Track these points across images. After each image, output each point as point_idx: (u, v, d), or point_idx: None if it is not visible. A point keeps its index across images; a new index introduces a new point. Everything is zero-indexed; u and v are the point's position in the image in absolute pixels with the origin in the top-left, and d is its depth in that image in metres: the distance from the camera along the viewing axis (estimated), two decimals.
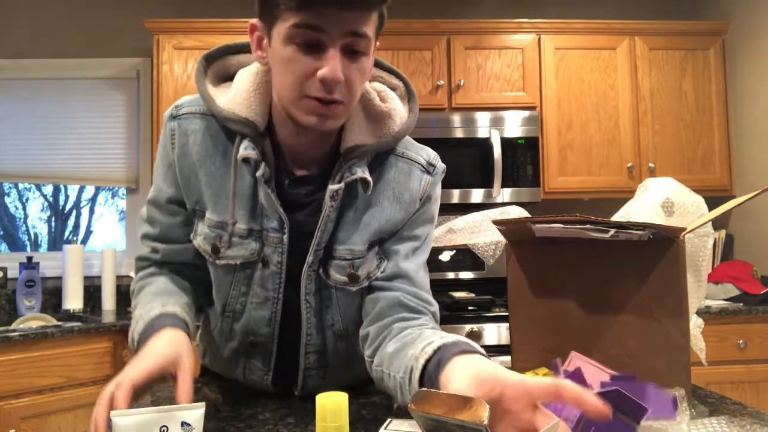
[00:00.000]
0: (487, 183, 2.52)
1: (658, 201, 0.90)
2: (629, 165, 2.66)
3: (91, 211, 3.08)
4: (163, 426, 0.60)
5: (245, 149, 0.80)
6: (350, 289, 0.87)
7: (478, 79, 2.64)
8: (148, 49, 2.87)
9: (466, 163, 2.53)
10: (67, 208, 3.09)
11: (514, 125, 2.56)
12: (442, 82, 2.61)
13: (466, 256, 2.71)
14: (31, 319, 2.44)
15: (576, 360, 0.71)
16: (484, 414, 0.49)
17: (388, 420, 0.63)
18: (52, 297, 2.70)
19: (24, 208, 3.02)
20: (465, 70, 2.64)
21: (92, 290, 2.74)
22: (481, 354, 0.66)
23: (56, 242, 3.01)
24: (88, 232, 3.06)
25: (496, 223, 0.91)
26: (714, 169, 2.72)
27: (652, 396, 0.63)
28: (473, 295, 2.40)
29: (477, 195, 2.52)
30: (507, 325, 2.22)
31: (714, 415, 0.74)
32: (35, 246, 2.99)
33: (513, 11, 3.07)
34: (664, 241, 0.80)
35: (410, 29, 2.63)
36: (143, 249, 0.93)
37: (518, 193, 2.54)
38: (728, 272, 2.51)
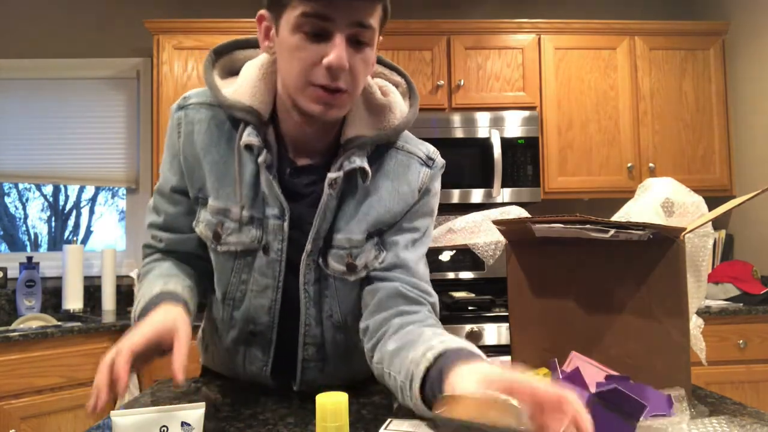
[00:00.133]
0: (487, 183, 2.52)
1: (658, 201, 0.90)
2: (629, 165, 2.66)
3: (91, 211, 3.08)
4: (163, 426, 0.60)
5: (248, 136, 0.82)
6: (348, 279, 0.88)
7: (478, 79, 2.64)
8: (148, 49, 2.87)
9: (466, 163, 2.53)
10: (67, 208, 3.09)
11: (514, 125, 2.55)
12: (442, 82, 2.61)
13: (466, 256, 2.71)
14: (31, 319, 2.44)
15: (576, 360, 0.71)
16: (520, 413, 0.47)
17: (388, 420, 0.63)
18: (52, 297, 2.70)
19: (24, 208, 3.02)
20: (465, 70, 2.64)
21: (92, 290, 2.74)
22: (483, 359, 0.66)
23: (56, 242, 3.01)
24: (88, 232, 3.06)
25: (496, 223, 0.91)
26: (714, 169, 2.72)
27: (648, 396, 0.63)
28: (473, 295, 2.40)
29: (477, 195, 2.52)
30: (507, 325, 2.22)
31: (714, 415, 0.74)
32: (35, 246, 2.99)
33: (513, 11, 3.07)
34: (664, 241, 0.80)
35: (410, 29, 2.63)
36: (149, 237, 0.96)
37: (518, 193, 2.54)
38: (728, 272, 2.51)
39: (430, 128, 2.50)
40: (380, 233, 0.89)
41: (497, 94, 2.64)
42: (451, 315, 2.23)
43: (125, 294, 2.76)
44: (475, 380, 0.58)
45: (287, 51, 0.76)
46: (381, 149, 0.89)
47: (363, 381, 1.01)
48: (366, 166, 0.84)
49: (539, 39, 2.68)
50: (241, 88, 0.84)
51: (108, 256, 2.65)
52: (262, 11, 0.81)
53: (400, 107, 0.90)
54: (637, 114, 2.70)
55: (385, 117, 0.88)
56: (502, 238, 0.97)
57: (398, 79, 0.95)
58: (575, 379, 0.56)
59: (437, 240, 1.04)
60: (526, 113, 2.57)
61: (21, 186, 2.99)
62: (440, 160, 0.94)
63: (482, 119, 2.55)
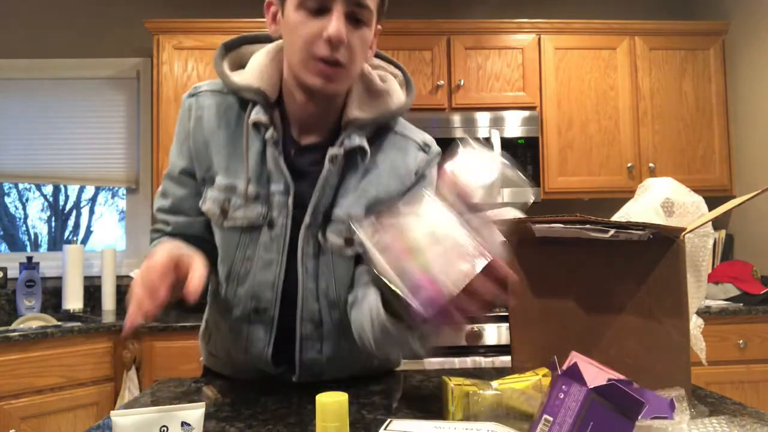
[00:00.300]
0: None
1: (658, 201, 0.90)
2: (629, 165, 2.66)
3: (91, 211, 3.08)
4: (163, 426, 0.60)
5: (256, 114, 0.88)
6: (345, 254, 0.92)
7: (478, 79, 2.64)
8: (148, 49, 2.87)
9: None
10: (67, 208, 3.09)
11: (514, 125, 2.55)
12: (442, 82, 2.61)
13: None
14: (31, 319, 2.44)
15: (576, 360, 0.71)
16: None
17: (388, 420, 0.63)
18: (52, 297, 2.70)
19: (24, 208, 3.02)
20: (465, 70, 2.64)
21: (92, 290, 2.74)
22: None
23: (56, 242, 3.01)
24: (88, 232, 3.06)
25: (496, 223, 0.91)
26: (714, 169, 2.72)
27: (649, 398, 0.63)
28: None
29: None
30: (507, 325, 2.22)
31: (714, 415, 0.74)
32: (35, 246, 2.99)
33: (513, 11, 3.07)
34: (664, 241, 0.80)
35: (410, 29, 2.63)
36: (157, 222, 0.99)
37: (518, 193, 2.54)
38: (728, 272, 2.52)
39: (430, 128, 2.50)
40: (376, 213, 0.91)
41: (497, 94, 2.64)
42: None
43: (125, 294, 2.75)
44: None
45: (291, 28, 0.84)
46: (380, 133, 0.95)
47: (364, 379, 1.02)
48: (365, 145, 0.90)
49: (539, 39, 2.68)
50: (249, 73, 0.91)
51: (108, 256, 2.66)
52: None
53: (397, 94, 0.96)
54: (637, 114, 2.70)
55: (384, 101, 0.94)
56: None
57: (396, 71, 1.02)
58: (573, 374, 0.56)
59: None
60: (526, 113, 2.57)
61: (21, 186, 2.99)
62: (436, 148, 1.00)
63: (482, 119, 2.55)
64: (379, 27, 0.92)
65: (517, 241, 0.91)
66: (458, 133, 2.54)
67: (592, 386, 0.55)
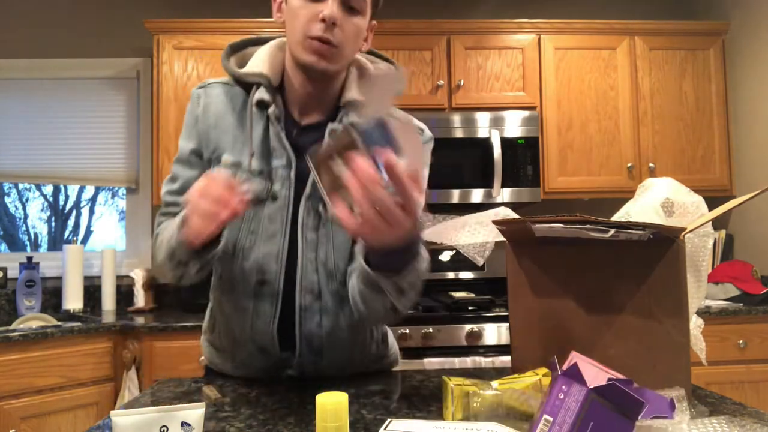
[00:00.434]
0: (487, 183, 2.52)
1: (658, 201, 0.90)
2: (629, 165, 2.66)
3: (91, 211, 3.08)
4: (163, 426, 0.60)
5: (260, 94, 0.98)
6: None
7: (478, 79, 2.64)
8: (148, 49, 2.87)
9: (466, 163, 2.53)
10: (67, 208, 3.09)
11: (514, 125, 2.55)
12: (442, 82, 2.61)
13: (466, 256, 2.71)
14: (31, 319, 2.44)
15: (576, 360, 0.71)
16: None
17: (388, 420, 0.63)
18: (52, 297, 2.70)
19: (24, 208, 3.02)
20: (465, 70, 2.64)
21: (92, 290, 2.74)
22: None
23: (56, 242, 3.01)
24: (88, 232, 3.06)
25: (496, 223, 0.91)
26: (714, 169, 2.72)
27: (650, 398, 0.63)
28: (473, 295, 2.40)
29: (477, 195, 2.52)
30: (507, 325, 2.22)
31: (714, 415, 0.74)
32: (35, 246, 2.99)
33: (513, 11, 3.07)
34: (664, 241, 0.80)
35: (410, 29, 2.63)
36: (166, 207, 1.03)
37: (518, 193, 2.54)
38: (728, 272, 2.51)
39: (430, 128, 2.49)
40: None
41: (497, 94, 2.64)
42: (451, 315, 2.23)
43: (125, 294, 2.76)
44: None
45: (292, 12, 0.93)
46: None
47: (364, 378, 1.02)
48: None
49: (539, 39, 2.68)
50: (254, 62, 1.01)
51: (108, 256, 2.66)
52: None
53: None
54: (637, 114, 2.70)
55: None
56: (490, 240, 0.98)
57: (388, 64, 1.12)
58: (573, 374, 0.56)
59: (434, 237, 1.04)
60: (526, 113, 2.57)
61: (21, 186, 2.99)
62: (429, 133, 1.08)
63: (482, 119, 2.55)
64: (374, 22, 1.01)
65: (517, 241, 0.91)
66: (458, 133, 2.54)
67: (592, 386, 0.55)
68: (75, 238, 2.99)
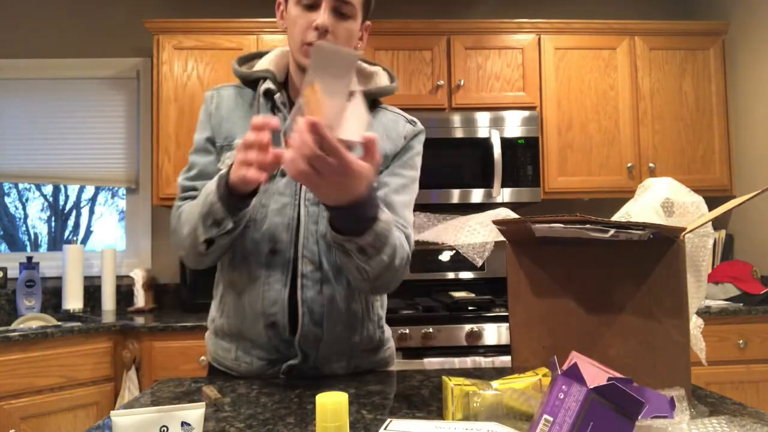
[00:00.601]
0: (487, 183, 2.52)
1: (658, 201, 0.90)
2: (629, 165, 2.66)
3: (91, 211, 3.08)
4: (163, 426, 0.60)
5: (266, 85, 1.08)
6: None
7: (478, 79, 2.64)
8: (148, 49, 2.87)
9: (466, 163, 2.53)
10: (67, 208, 3.09)
11: (514, 125, 2.55)
12: (442, 82, 2.61)
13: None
14: (31, 319, 2.44)
15: (576, 360, 0.71)
16: None
17: (388, 420, 0.63)
18: (52, 297, 2.70)
19: (24, 208, 3.02)
20: (465, 70, 2.64)
21: (92, 290, 2.74)
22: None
23: (56, 242, 3.01)
24: (88, 232, 3.06)
25: (496, 223, 0.91)
26: (714, 169, 2.72)
27: (650, 397, 0.63)
28: (473, 295, 2.40)
29: (477, 195, 2.52)
30: (507, 325, 2.22)
31: (714, 415, 0.74)
32: (35, 246, 2.99)
33: (513, 11, 3.07)
34: (664, 241, 0.80)
35: (410, 29, 2.63)
36: (184, 192, 1.10)
37: (518, 193, 2.54)
38: (728, 272, 2.52)
39: (430, 128, 2.50)
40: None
41: (497, 94, 2.64)
42: (451, 315, 2.23)
43: (125, 294, 2.76)
44: None
45: (291, 21, 1.03)
46: (374, 109, 1.14)
47: (364, 378, 1.02)
48: None
49: (539, 39, 2.68)
50: (260, 64, 1.12)
51: (108, 256, 2.66)
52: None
53: (384, 76, 1.16)
54: (637, 114, 2.70)
55: (374, 80, 1.15)
56: (489, 240, 0.98)
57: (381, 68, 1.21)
58: (573, 374, 0.56)
59: (434, 237, 1.05)
60: (526, 113, 2.57)
61: (21, 186, 2.99)
62: (421, 126, 1.17)
63: (482, 119, 2.55)
64: (368, 23, 1.10)
65: (517, 241, 0.91)
66: (458, 133, 2.54)
67: (592, 386, 0.55)
68: (75, 238, 2.99)
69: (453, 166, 2.52)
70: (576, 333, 0.83)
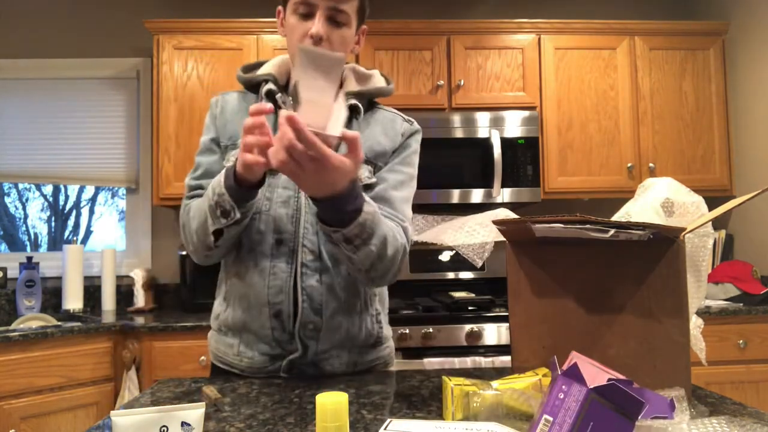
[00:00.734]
0: (487, 183, 2.52)
1: (658, 201, 0.90)
2: (629, 165, 2.66)
3: (91, 211, 3.08)
4: (163, 426, 0.60)
5: (268, 86, 1.13)
6: None
7: (478, 79, 2.64)
8: (148, 49, 2.87)
9: (466, 163, 2.53)
10: (67, 208, 3.09)
11: (514, 125, 2.55)
12: (442, 82, 2.61)
13: None
14: (31, 319, 2.44)
15: (576, 360, 0.71)
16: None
17: (388, 420, 0.63)
18: (52, 297, 2.70)
19: (24, 208, 3.02)
20: (465, 70, 2.64)
21: (92, 290, 2.75)
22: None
23: (56, 242, 3.01)
24: (88, 232, 3.06)
25: (496, 223, 0.91)
26: (714, 169, 2.72)
27: (650, 397, 0.63)
28: (473, 295, 2.40)
29: (477, 195, 2.52)
30: (507, 325, 2.22)
31: (714, 415, 0.74)
32: (35, 246, 2.99)
33: (513, 11, 3.07)
34: (664, 241, 0.80)
35: (410, 29, 2.63)
36: (191, 191, 1.14)
37: (518, 193, 2.54)
38: (728, 272, 2.52)
39: (430, 128, 2.50)
40: (373, 159, 1.13)
41: (497, 94, 2.64)
42: (451, 315, 2.23)
43: (125, 294, 2.76)
44: None
45: (289, 29, 1.08)
46: (372, 108, 1.19)
47: (364, 378, 1.02)
48: (359, 104, 1.12)
49: (539, 39, 2.68)
50: (262, 69, 1.17)
51: (108, 256, 2.66)
52: (279, 6, 1.13)
53: (380, 78, 1.20)
54: (637, 114, 2.70)
55: (371, 81, 1.19)
56: (489, 240, 0.98)
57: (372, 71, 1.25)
58: (573, 374, 0.56)
59: (433, 238, 1.05)
60: (526, 113, 2.57)
61: (21, 186, 2.99)
62: (417, 125, 1.22)
63: (482, 119, 2.55)
64: (364, 27, 1.14)
65: (517, 241, 0.91)
66: (458, 133, 2.54)
67: (592, 386, 0.55)
68: (75, 238, 2.99)
69: (453, 166, 2.52)
70: (576, 333, 0.83)
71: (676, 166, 2.69)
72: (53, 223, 3.04)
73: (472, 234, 0.98)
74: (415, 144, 1.20)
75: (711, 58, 2.75)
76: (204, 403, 0.64)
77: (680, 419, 0.62)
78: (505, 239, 0.92)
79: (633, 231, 0.77)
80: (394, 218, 1.09)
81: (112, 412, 0.61)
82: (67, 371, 2.05)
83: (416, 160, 1.20)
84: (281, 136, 0.79)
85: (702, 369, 2.23)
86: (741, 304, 2.32)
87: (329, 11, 1.04)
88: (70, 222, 3.08)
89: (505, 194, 2.53)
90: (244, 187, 0.95)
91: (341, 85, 1.15)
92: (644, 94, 2.70)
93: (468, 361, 2.14)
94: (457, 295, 2.40)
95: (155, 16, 2.88)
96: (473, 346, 2.18)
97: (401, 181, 1.14)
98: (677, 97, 2.73)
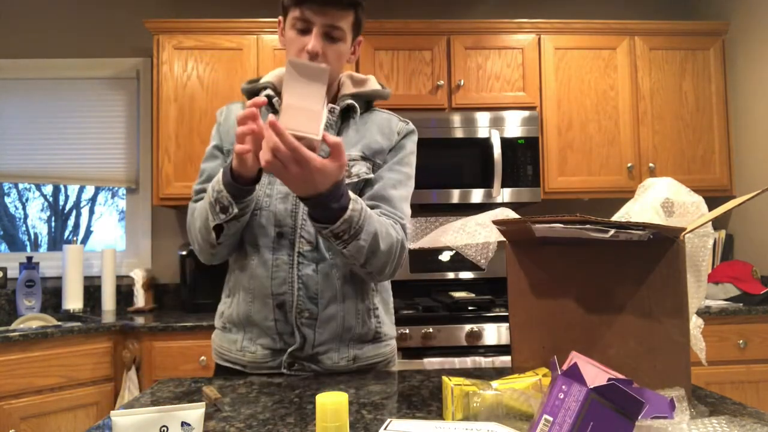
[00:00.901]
0: (487, 183, 2.52)
1: (658, 201, 0.90)
2: (629, 165, 2.66)
3: (91, 211, 3.08)
4: (163, 426, 0.60)
5: (267, 92, 1.17)
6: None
7: (478, 79, 2.64)
8: (148, 49, 2.87)
9: (466, 163, 2.53)
10: (67, 208, 3.09)
11: (514, 125, 2.55)
12: (442, 82, 2.61)
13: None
14: (31, 319, 2.44)
15: (576, 360, 0.71)
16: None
17: (388, 420, 0.63)
18: (52, 297, 2.70)
19: (24, 208, 3.02)
20: (465, 70, 2.64)
21: (92, 290, 2.75)
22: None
23: (56, 242, 3.01)
24: (88, 232, 3.06)
25: (496, 223, 0.91)
26: (714, 169, 2.72)
27: (650, 397, 0.63)
28: (473, 295, 2.40)
29: (477, 195, 2.52)
30: (507, 325, 2.22)
31: (714, 415, 0.74)
32: (35, 246, 2.99)
33: (513, 11, 3.07)
34: (664, 241, 0.80)
35: (410, 29, 2.63)
36: (195, 195, 1.19)
37: (518, 193, 2.54)
38: (728, 272, 2.52)
39: (430, 128, 2.50)
40: (371, 156, 1.18)
41: (497, 94, 2.64)
42: (451, 315, 2.23)
43: (125, 294, 2.76)
44: None
45: (288, 43, 1.13)
46: (368, 110, 1.24)
47: (364, 378, 1.02)
48: (356, 104, 1.18)
49: (539, 39, 2.68)
50: (263, 78, 1.23)
51: (108, 256, 2.66)
52: (280, 17, 1.17)
53: (376, 84, 1.25)
54: (637, 114, 2.70)
55: (366, 84, 1.24)
56: (490, 241, 0.98)
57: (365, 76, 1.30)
58: (573, 374, 0.56)
59: (433, 241, 1.05)
60: (526, 113, 2.57)
61: (21, 186, 2.99)
62: (413, 126, 1.26)
63: (482, 119, 2.55)
64: (360, 39, 1.19)
65: (517, 241, 0.91)
66: (458, 133, 2.54)
67: (592, 386, 0.55)
68: (75, 238, 2.99)
69: (453, 166, 2.52)
70: (576, 333, 0.83)
71: (676, 166, 2.70)
72: (53, 223, 3.04)
73: (474, 235, 0.98)
74: (411, 145, 1.24)
75: (711, 58, 2.75)
76: (204, 403, 0.64)
77: (680, 419, 0.62)
78: (505, 239, 0.92)
79: (633, 231, 0.77)
80: (393, 216, 1.13)
81: (112, 412, 0.61)
82: (67, 371, 2.05)
83: (413, 160, 1.25)
84: (267, 138, 0.86)
85: (702, 369, 2.23)
86: (741, 304, 2.32)
87: (325, 28, 1.08)
88: (70, 222, 3.08)
89: (505, 194, 2.53)
90: (240, 183, 1.00)
91: (338, 91, 1.22)
92: (644, 94, 2.70)
93: (468, 361, 2.14)
94: (457, 295, 2.40)
95: (155, 16, 2.88)
96: (473, 346, 2.18)
97: (399, 181, 1.19)
98: (677, 97, 2.73)
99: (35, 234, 3.00)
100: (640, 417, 0.55)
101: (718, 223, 2.83)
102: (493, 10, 3.07)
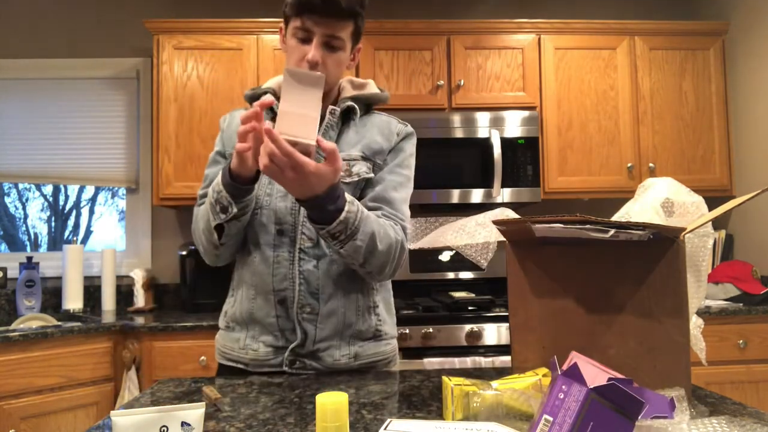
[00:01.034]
0: (487, 183, 2.52)
1: (658, 201, 0.90)
2: (629, 165, 2.66)
3: (91, 211, 3.08)
4: (163, 426, 0.60)
5: (267, 96, 1.14)
6: (345, 181, 1.16)
7: (478, 79, 2.64)
8: (148, 49, 2.87)
9: (466, 163, 2.53)
10: (67, 208, 3.09)
11: (514, 125, 2.55)
12: (442, 82, 2.61)
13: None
14: (31, 319, 2.44)
15: (576, 360, 0.71)
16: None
17: (388, 420, 0.63)
18: (52, 297, 2.70)
19: (24, 208, 3.02)
20: (465, 70, 2.64)
21: (92, 290, 2.74)
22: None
23: (56, 242, 3.01)
24: (88, 232, 3.06)
25: (496, 223, 0.91)
26: (714, 169, 2.72)
27: (650, 397, 0.63)
28: (473, 295, 2.40)
29: (477, 195, 2.52)
30: (507, 325, 2.22)
31: (714, 415, 0.74)
32: (35, 246, 2.99)
33: (513, 11, 3.07)
34: (664, 241, 0.80)
35: (410, 29, 2.63)
36: (199, 199, 1.23)
37: (518, 193, 2.54)
38: (728, 272, 2.51)
39: (430, 128, 2.50)
40: (371, 156, 1.19)
41: (497, 94, 2.64)
42: (451, 315, 2.23)
43: (125, 294, 2.76)
44: None
45: (288, 50, 1.16)
46: (368, 113, 1.26)
47: (364, 378, 1.02)
48: (356, 106, 1.21)
49: (539, 39, 2.68)
50: (265, 84, 1.26)
51: (108, 256, 2.66)
52: (282, 24, 1.19)
53: (375, 87, 1.28)
54: (637, 114, 2.70)
55: (365, 88, 1.27)
56: (490, 241, 0.98)
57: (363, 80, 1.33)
58: (573, 374, 0.56)
59: (432, 242, 1.05)
60: (526, 113, 2.57)
61: (21, 186, 2.99)
62: (411, 128, 1.29)
63: (482, 119, 2.55)
64: (359, 46, 1.22)
65: (517, 241, 0.91)
66: (458, 133, 2.54)
67: (592, 386, 0.55)
68: (75, 238, 2.99)
69: (453, 166, 2.52)
70: (576, 333, 0.83)
71: (676, 166, 2.70)
72: (53, 223, 3.04)
73: (474, 235, 0.98)
74: (411, 147, 1.27)
75: (711, 58, 2.75)
76: (204, 403, 0.64)
77: (680, 419, 0.62)
78: (505, 239, 0.92)
79: (633, 231, 0.77)
80: (394, 217, 1.16)
81: (112, 412, 0.61)
82: (67, 371, 2.05)
83: (413, 162, 1.28)
84: (264, 144, 0.90)
85: (702, 369, 2.23)
86: (741, 304, 2.32)
87: (325, 38, 1.11)
88: (70, 222, 3.08)
89: (505, 194, 2.53)
90: (239, 182, 1.03)
91: (338, 95, 1.26)
92: (644, 94, 2.70)
93: (468, 361, 2.14)
94: (457, 295, 2.40)
95: (155, 16, 2.88)
96: (473, 346, 2.18)
97: (399, 183, 1.21)
98: (677, 97, 2.73)
99: (35, 234, 3.00)
100: (640, 417, 0.55)
101: (718, 223, 2.83)
102: (493, 10, 3.07)
